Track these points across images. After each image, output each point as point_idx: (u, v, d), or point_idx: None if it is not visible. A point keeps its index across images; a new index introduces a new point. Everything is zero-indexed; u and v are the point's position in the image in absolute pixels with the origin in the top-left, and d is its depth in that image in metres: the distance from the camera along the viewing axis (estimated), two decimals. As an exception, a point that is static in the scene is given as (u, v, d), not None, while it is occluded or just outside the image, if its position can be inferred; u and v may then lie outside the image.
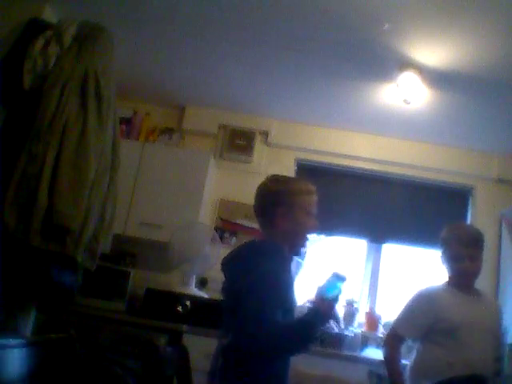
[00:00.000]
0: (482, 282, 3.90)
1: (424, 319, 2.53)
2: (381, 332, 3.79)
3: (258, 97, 4.02)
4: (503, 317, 2.64)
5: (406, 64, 3.18)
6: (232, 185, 4.21)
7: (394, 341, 2.63)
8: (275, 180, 2.02)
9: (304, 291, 4.09)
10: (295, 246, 1.97)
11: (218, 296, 3.72)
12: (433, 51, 3.03)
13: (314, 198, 1.96)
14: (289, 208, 1.91)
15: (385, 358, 2.63)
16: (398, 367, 2.57)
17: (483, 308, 2.57)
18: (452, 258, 2.61)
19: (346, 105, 3.87)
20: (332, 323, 3.57)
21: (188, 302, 3.48)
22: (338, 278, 1.81)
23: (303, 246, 1.99)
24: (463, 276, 2.58)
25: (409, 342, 3.70)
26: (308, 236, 1.96)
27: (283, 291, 1.81)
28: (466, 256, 2.54)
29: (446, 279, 2.66)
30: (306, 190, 1.96)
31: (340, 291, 1.81)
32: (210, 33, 3.22)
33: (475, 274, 2.59)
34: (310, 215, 1.93)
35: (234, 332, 1.74)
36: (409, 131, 4.10)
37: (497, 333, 2.54)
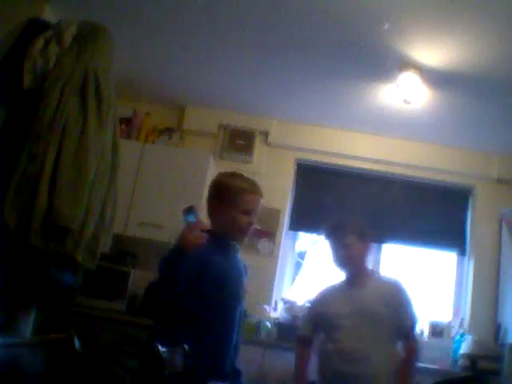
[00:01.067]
0: (482, 282, 3.93)
1: (312, 315, 2.68)
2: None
3: (258, 97, 4.02)
4: (402, 294, 2.56)
5: (406, 64, 3.18)
6: (232, 185, 4.21)
7: (298, 341, 2.73)
8: (222, 174, 2.19)
9: (304, 291, 4.09)
10: (229, 238, 2.06)
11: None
12: (433, 51, 3.03)
13: (251, 196, 2.07)
14: (223, 203, 2.06)
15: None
16: (299, 366, 2.64)
17: (367, 297, 2.51)
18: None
19: (346, 105, 3.87)
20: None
21: (188, 302, 3.47)
22: (189, 211, 1.91)
23: (237, 240, 2.08)
24: (340, 266, 2.61)
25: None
26: (242, 232, 2.05)
27: (205, 276, 1.90)
28: (340, 248, 2.56)
29: None
30: (242, 189, 2.08)
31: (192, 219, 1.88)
32: (210, 33, 3.22)
33: (351, 261, 2.57)
34: (243, 213, 2.03)
35: None
36: (409, 131, 4.10)
37: (386, 314, 2.45)
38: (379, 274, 2.67)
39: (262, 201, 2.14)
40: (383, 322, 2.44)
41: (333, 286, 2.73)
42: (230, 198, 2.05)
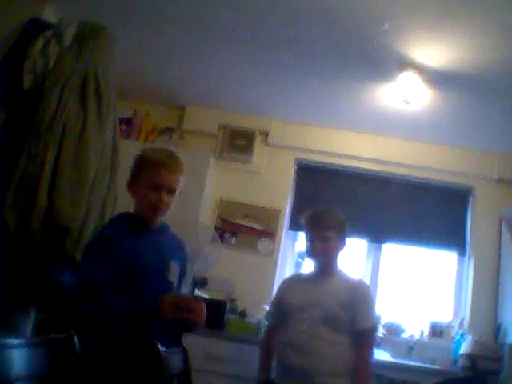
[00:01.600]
0: (482, 282, 3.93)
1: (274, 301, 2.66)
2: (381, 332, 3.79)
3: (258, 97, 4.02)
4: (361, 296, 2.46)
5: (406, 64, 3.18)
6: (232, 185, 4.22)
7: (265, 330, 2.72)
8: (143, 149, 2.08)
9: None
10: (141, 217, 1.95)
11: (218, 296, 3.73)
12: (433, 51, 3.03)
13: (161, 170, 1.90)
14: (134, 178, 1.96)
15: None
16: (263, 355, 2.63)
17: (325, 293, 2.44)
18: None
19: (346, 105, 3.87)
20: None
21: (188, 302, 3.47)
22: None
23: (150, 219, 1.95)
24: (311, 258, 2.56)
25: (410, 343, 3.72)
26: (152, 210, 1.92)
27: (121, 256, 1.77)
28: (317, 240, 2.49)
29: None
30: (152, 162, 1.94)
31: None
32: (210, 33, 3.22)
33: (324, 255, 2.51)
34: (151, 189, 1.90)
35: None
36: (409, 131, 4.10)
37: (340, 313, 2.37)
38: (346, 273, 2.56)
39: (182, 178, 1.96)
40: (336, 321, 2.36)
41: (299, 276, 2.72)
42: (139, 171, 1.94)
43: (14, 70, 2.61)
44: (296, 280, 2.69)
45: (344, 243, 2.55)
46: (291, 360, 2.35)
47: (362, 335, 2.38)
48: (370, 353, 2.44)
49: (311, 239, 2.50)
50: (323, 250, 2.48)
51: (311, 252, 2.52)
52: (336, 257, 2.54)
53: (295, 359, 2.34)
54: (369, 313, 2.45)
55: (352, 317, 2.37)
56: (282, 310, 2.53)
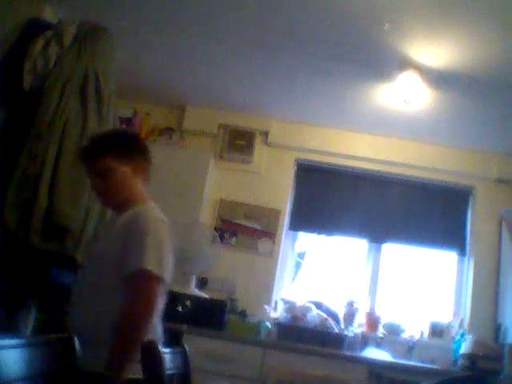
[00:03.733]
0: (482, 282, 3.93)
1: None
2: (381, 332, 3.79)
3: (258, 97, 4.02)
4: (132, 228, 1.86)
5: (406, 64, 3.18)
6: (232, 185, 4.22)
7: None
8: None
9: (304, 291, 4.10)
10: None
11: (218, 296, 3.73)
12: (433, 51, 3.03)
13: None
14: None
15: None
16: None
17: (105, 235, 2.04)
18: None
19: (346, 105, 3.87)
20: (332, 323, 3.57)
21: (188, 302, 3.47)
22: None
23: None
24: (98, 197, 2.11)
25: (410, 343, 3.72)
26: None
27: None
28: (92, 176, 2.01)
29: None
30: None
31: None
32: (210, 33, 3.22)
33: (106, 193, 1.99)
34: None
35: None
36: (409, 131, 4.10)
37: (109, 252, 1.86)
38: (142, 205, 1.98)
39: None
40: (104, 265, 1.85)
41: (109, 218, 2.29)
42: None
43: (14, 70, 2.61)
44: (103, 225, 2.47)
45: (133, 167, 1.99)
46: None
47: (126, 277, 1.79)
48: (139, 305, 1.76)
49: (89, 177, 2.05)
50: (102, 188, 1.99)
51: (95, 191, 2.07)
52: (124, 190, 1.99)
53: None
54: (142, 249, 1.79)
55: (121, 254, 1.82)
56: None
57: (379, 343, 3.66)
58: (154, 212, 1.97)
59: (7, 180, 2.38)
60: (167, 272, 1.85)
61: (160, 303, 1.88)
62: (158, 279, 1.80)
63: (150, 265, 1.77)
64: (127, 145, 2.02)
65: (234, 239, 4.08)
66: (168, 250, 1.88)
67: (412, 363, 3.44)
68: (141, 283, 1.78)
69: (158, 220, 1.93)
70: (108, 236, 1.97)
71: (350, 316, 3.79)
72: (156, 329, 1.92)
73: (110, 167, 1.94)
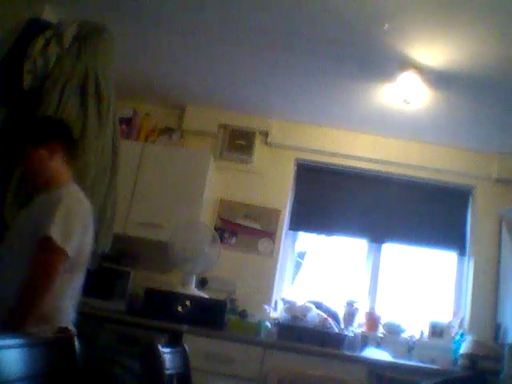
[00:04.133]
0: (482, 282, 3.93)
1: None
2: (381, 332, 3.79)
3: (258, 97, 4.02)
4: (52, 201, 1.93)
5: (406, 64, 3.18)
6: (232, 185, 4.22)
7: None
8: None
9: (304, 291, 4.10)
10: None
11: (218, 296, 3.74)
12: (433, 51, 3.03)
13: None
14: None
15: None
16: None
17: (25, 216, 2.05)
18: None
19: (346, 105, 3.87)
20: (332, 323, 3.57)
21: (188, 302, 3.48)
22: None
23: None
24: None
25: (410, 343, 3.72)
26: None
27: None
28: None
29: None
30: None
31: None
32: (210, 33, 3.22)
33: (29, 181, 2.18)
34: None
35: None
36: (409, 131, 4.10)
37: (26, 225, 1.95)
38: (64, 187, 2.02)
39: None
40: (23, 240, 1.91)
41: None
42: None
43: (14, 70, 2.61)
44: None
45: (49, 149, 2.05)
46: None
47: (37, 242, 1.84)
48: (35, 272, 1.80)
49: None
50: (28, 173, 2.17)
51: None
52: (42, 172, 2.06)
53: None
54: (48, 221, 1.84)
55: (37, 224, 1.87)
56: None
57: (379, 343, 3.66)
58: (73, 193, 2.03)
59: (7, 180, 2.38)
60: (73, 248, 1.88)
61: (68, 281, 1.91)
62: (59, 251, 1.82)
63: (54, 234, 1.81)
64: (40, 129, 2.15)
65: (234, 239, 4.08)
66: (77, 226, 1.91)
67: (412, 363, 3.44)
68: (41, 251, 1.82)
69: (74, 198, 1.99)
70: (28, 214, 2.02)
71: (350, 316, 3.80)
72: (68, 312, 1.94)
73: (27, 152, 2.06)
